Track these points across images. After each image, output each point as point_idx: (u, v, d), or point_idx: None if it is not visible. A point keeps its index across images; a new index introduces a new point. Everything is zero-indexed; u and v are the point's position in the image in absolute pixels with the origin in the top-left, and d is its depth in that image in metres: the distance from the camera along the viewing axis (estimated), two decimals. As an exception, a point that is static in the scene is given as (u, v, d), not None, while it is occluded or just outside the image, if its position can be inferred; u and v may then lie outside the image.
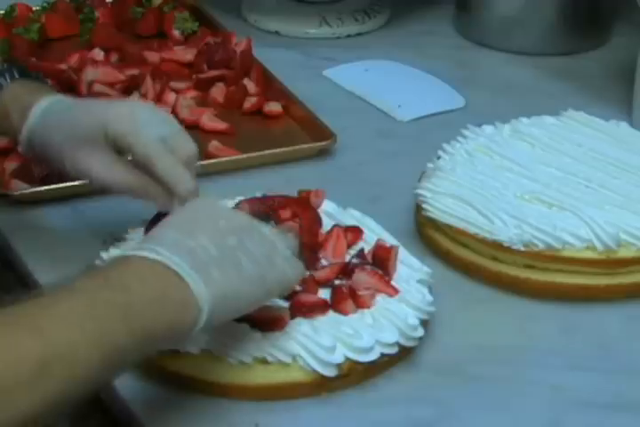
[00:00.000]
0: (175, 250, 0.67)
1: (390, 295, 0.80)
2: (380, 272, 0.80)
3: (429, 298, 0.80)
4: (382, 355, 0.78)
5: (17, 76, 0.84)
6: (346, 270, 0.81)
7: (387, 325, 0.78)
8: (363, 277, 0.80)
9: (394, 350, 0.78)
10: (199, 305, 0.66)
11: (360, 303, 0.79)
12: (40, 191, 0.95)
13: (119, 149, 0.80)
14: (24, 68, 0.87)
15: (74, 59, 1.12)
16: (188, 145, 0.80)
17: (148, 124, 0.79)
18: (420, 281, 0.82)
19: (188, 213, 0.72)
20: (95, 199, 0.95)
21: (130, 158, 0.81)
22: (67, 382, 0.60)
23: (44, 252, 0.89)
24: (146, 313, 0.64)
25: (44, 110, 0.82)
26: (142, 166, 0.79)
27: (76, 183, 0.96)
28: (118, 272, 0.65)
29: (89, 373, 0.61)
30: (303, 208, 0.85)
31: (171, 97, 1.06)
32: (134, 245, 0.70)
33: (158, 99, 1.07)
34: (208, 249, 0.68)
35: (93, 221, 0.93)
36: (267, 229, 0.73)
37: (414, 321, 0.79)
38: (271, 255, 0.71)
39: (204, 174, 0.98)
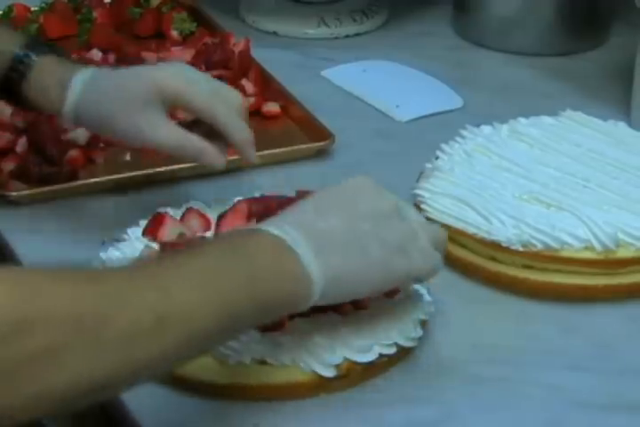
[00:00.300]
0: (302, 230, 0.68)
1: (388, 296, 0.79)
2: None
3: (428, 298, 0.80)
4: (381, 355, 0.77)
5: (44, 51, 0.86)
6: None
7: (385, 325, 0.78)
8: None
9: (392, 351, 0.78)
10: (312, 285, 0.68)
11: (358, 304, 0.79)
12: (38, 192, 0.95)
13: (174, 107, 0.84)
14: (51, 44, 0.89)
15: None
16: (235, 95, 0.84)
17: (197, 81, 0.84)
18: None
19: (334, 191, 0.72)
20: (93, 200, 0.95)
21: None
22: (182, 340, 0.62)
23: (43, 253, 0.89)
24: (265, 284, 0.66)
25: (86, 80, 0.84)
26: (196, 121, 0.83)
27: (73, 184, 0.96)
28: (244, 242, 0.67)
29: (204, 334, 0.63)
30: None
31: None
32: (269, 219, 0.71)
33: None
34: (336, 232, 0.69)
35: (91, 221, 0.93)
36: (414, 218, 0.73)
37: (413, 321, 0.78)
38: (405, 244, 0.71)
39: (201, 175, 0.99)
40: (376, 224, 0.70)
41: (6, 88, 0.85)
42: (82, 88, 0.83)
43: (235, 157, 1.00)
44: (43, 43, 0.88)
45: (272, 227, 0.68)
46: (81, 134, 1.00)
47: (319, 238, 0.68)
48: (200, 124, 0.84)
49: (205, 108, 0.82)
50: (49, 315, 0.57)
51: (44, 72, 0.85)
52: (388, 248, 0.70)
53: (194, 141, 0.82)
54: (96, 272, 0.63)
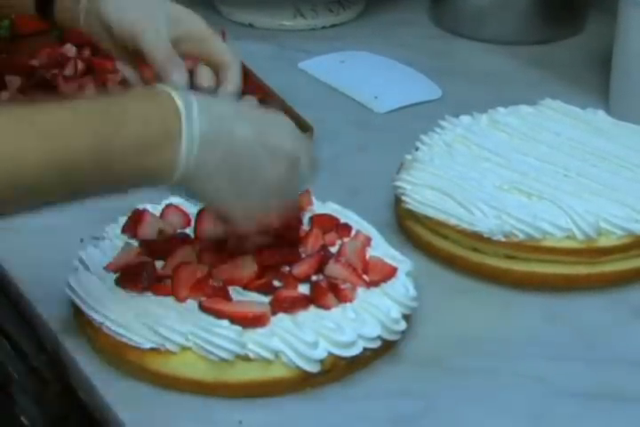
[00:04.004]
0: (206, 115, 0.67)
1: (366, 287, 0.79)
2: (354, 264, 0.80)
3: (413, 292, 0.80)
4: (365, 349, 0.77)
5: None
6: (322, 265, 0.80)
7: (369, 319, 0.77)
8: (336, 270, 0.79)
9: (376, 344, 0.77)
10: (175, 171, 0.67)
11: (341, 297, 0.78)
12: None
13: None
14: None
15: (45, 55, 1.11)
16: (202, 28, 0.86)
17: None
18: (407, 273, 0.81)
19: (259, 113, 0.74)
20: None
21: None
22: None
23: (21, 253, 0.88)
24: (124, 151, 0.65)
25: None
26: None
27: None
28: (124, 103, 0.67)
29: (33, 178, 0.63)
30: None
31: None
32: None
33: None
34: (237, 142, 0.68)
35: (69, 220, 0.91)
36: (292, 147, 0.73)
37: (397, 314, 0.78)
38: (278, 191, 0.72)
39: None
40: (272, 159, 0.70)
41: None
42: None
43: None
44: None
45: (171, 90, 0.68)
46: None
47: (218, 136, 0.67)
48: None
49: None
50: None
51: None
52: (269, 190, 0.71)
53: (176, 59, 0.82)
54: None
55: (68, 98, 0.66)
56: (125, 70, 0.86)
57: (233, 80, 0.84)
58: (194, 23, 0.85)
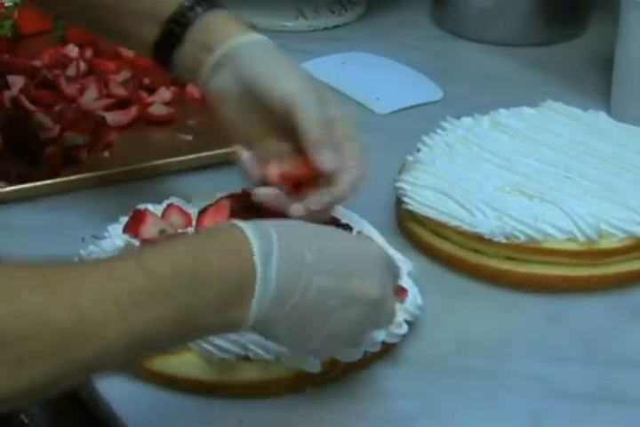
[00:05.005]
0: (282, 276, 0.63)
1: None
2: None
3: (419, 301, 0.80)
4: (365, 352, 0.77)
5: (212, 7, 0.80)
6: None
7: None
8: None
9: (377, 348, 0.77)
10: (244, 323, 0.64)
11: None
12: (18, 190, 0.94)
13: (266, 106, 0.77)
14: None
15: (47, 55, 1.11)
16: (348, 123, 0.77)
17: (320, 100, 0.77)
18: (408, 274, 0.81)
19: (345, 246, 0.68)
20: (73, 197, 0.95)
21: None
22: (88, 357, 0.57)
23: (22, 251, 0.88)
24: (202, 315, 0.62)
25: (235, 47, 0.79)
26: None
27: (53, 181, 0.96)
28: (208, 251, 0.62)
29: (110, 355, 0.59)
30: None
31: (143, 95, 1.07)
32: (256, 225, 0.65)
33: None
34: (307, 296, 0.65)
35: (70, 219, 0.92)
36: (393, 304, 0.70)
37: (399, 318, 0.78)
38: (350, 339, 0.69)
39: (182, 170, 0.98)
40: (345, 307, 0.66)
41: (164, 42, 0.79)
42: (228, 55, 0.78)
43: (215, 152, 1.00)
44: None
45: (257, 241, 0.63)
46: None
47: (291, 290, 0.64)
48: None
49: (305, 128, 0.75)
50: None
51: (207, 27, 0.79)
52: (335, 339, 0.68)
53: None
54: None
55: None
56: (242, 151, 0.78)
57: (339, 189, 0.76)
58: (338, 109, 0.76)
